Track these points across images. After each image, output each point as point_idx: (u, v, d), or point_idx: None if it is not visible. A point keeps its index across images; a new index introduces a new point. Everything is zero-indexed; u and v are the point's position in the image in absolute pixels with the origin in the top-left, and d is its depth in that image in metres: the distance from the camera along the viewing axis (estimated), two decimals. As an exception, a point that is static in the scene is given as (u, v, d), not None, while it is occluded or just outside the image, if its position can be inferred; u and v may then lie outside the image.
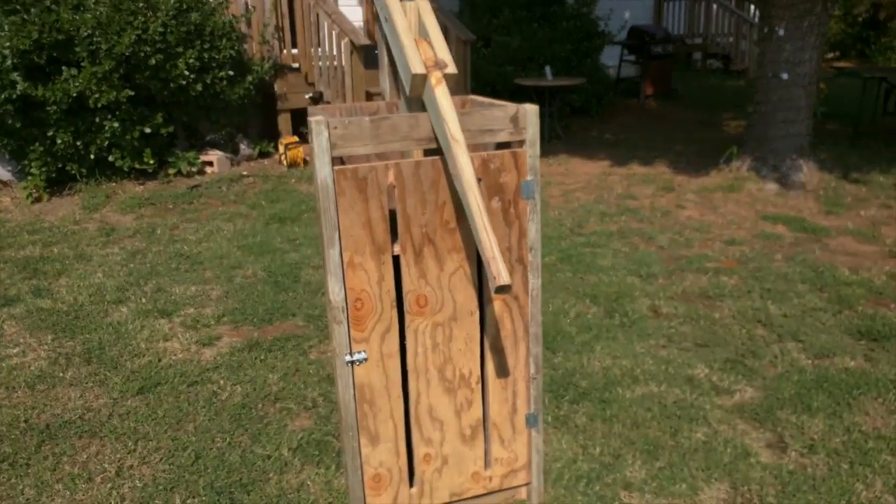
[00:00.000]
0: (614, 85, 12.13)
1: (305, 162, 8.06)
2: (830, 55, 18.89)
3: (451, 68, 2.25)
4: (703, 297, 4.70)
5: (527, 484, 2.79)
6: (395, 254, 2.38)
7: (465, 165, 2.07)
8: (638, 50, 12.46)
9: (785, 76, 7.33)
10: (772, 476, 2.93)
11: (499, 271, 1.91)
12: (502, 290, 1.92)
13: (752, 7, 15.29)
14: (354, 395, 2.44)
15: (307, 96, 8.44)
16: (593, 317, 4.42)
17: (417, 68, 2.21)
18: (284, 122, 8.41)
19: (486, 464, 2.71)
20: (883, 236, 5.80)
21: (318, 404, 3.54)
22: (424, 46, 2.28)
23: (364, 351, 2.41)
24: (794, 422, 3.29)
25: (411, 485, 2.64)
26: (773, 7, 7.22)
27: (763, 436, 3.21)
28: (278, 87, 8.31)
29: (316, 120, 2.15)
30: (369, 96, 7.91)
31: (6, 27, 6.15)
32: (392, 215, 2.34)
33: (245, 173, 7.70)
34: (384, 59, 2.70)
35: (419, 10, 2.37)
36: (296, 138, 8.16)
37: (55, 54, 6.44)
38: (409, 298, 2.42)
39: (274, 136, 8.56)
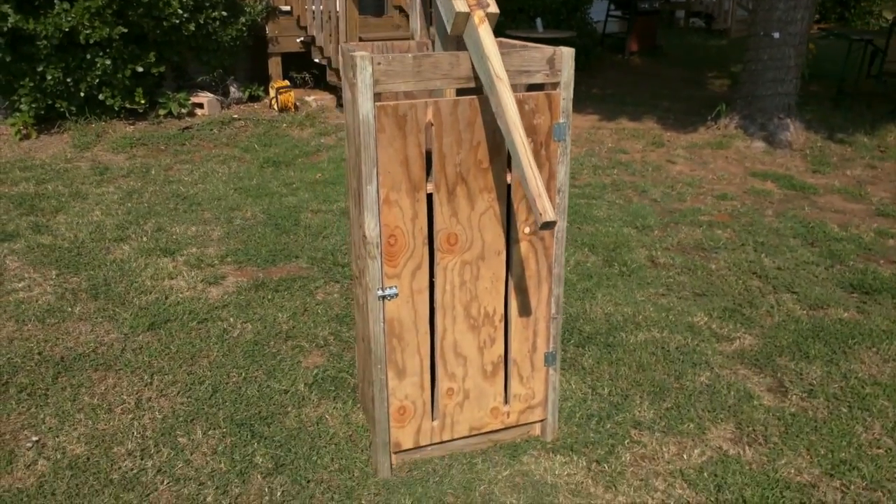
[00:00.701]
0: (600, 40, 12.11)
1: (296, 107, 7.99)
2: (812, 18, 18.93)
3: (494, 7, 2.27)
4: (699, 248, 4.81)
5: (542, 420, 2.89)
6: (429, 192, 2.42)
7: (509, 104, 2.11)
8: (625, 5, 12.43)
9: (776, 35, 7.38)
10: (775, 418, 3.06)
11: (545, 208, 1.96)
12: (547, 226, 1.98)
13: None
14: (384, 329, 2.50)
15: (299, 40, 8.32)
16: (592, 265, 4.51)
17: (461, 6, 2.23)
18: (275, 65, 8.30)
19: (506, 399, 2.80)
20: (869, 195, 5.94)
21: (330, 343, 3.60)
22: (466, -15, 2.29)
23: (395, 286, 2.46)
24: (792, 368, 3.43)
25: (433, 418, 2.72)
26: (768, -35, 7.24)
27: (764, 380, 3.34)
28: (270, 30, 8.18)
29: (361, 55, 2.17)
30: (362, 42, 7.82)
31: (-4, -43, 5.99)
32: (427, 154, 2.38)
33: (236, 116, 7.62)
34: (416, 0, 2.70)
35: (460, -52, 2.37)
36: (287, 83, 8.08)
37: (47, -14, 6.29)
38: (440, 236, 2.47)
39: (263, 79, 8.45)
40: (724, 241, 4.91)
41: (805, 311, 3.97)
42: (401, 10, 8.89)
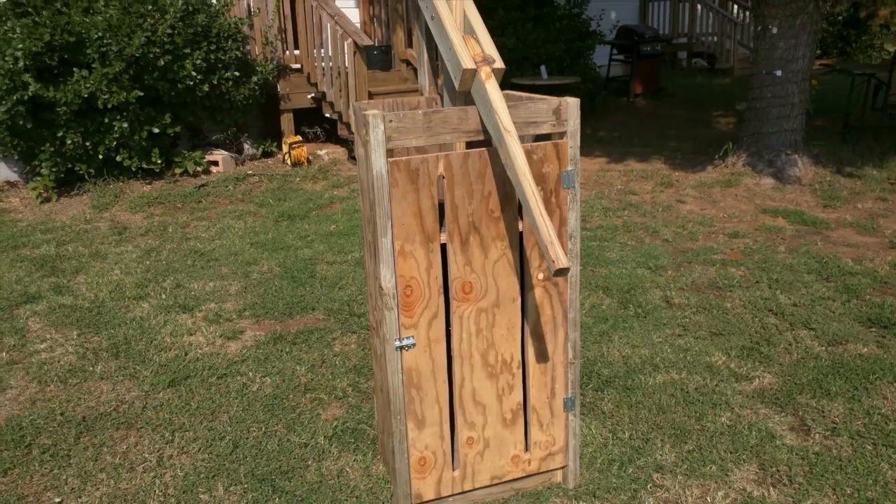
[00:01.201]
0: (605, 84, 12.27)
1: (309, 161, 8.13)
2: (815, 54, 19.14)
3: (499, 63, 2.34)
4: (713, 287, 4.82)
5: (564, 467, 2.88)
6: (442, 242, 2.47)
7: (518, 155, 2.16)
8: (628, 49, 12.62)
9: (779, 73, 7.47)
10: (798, 457, 3.03)
11: (557, 255, 2.00)
12: (561, 272, 2.01)
13: (735, 6, 15.51)
14: (402, 379, 2.53)
15: (310, 96, 8.50)
16: (608, 308, 4.53)
17: (468, 64, 2.30)
18: (287, 121, 8.47)
19: (526, 447, 2.80)
20: (882, 228, 5.94)
21: (349, 394, 3.62)
22: (472, 43, 2.37)
23: (412, 336, 2.49)
24: (814, 406, 3.41)
25: (454, 468, 2.72)
26: (766, 6, 7.37)
27: (785, 419, 3.32)
28: (281, 87, 8.37)
29: (373, 113, 2.24)
30: (371, 96, 7.99)
31: (18, 30, 6.19)
32: (439, 205, 2.43)
33: (250, 172, 7.76)
34: (423, 57, 2.78)
35: (465, 8, 2.45)
36: (299, 137, 8.22)
37: (66, 56, 6.48)
38: (456, 285, 2.51)
39: (276, 135, 8.62)
40: (738, 280, 4.92)
41: (823, 348, 3.96)
42: (408, 63, 9.08)
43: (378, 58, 9.05)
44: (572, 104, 2.46)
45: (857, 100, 9.58)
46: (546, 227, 2.06)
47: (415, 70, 8.88)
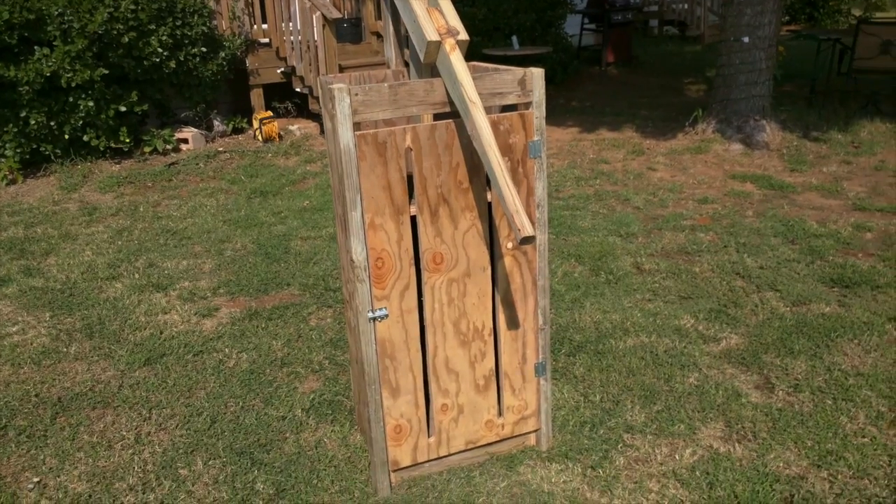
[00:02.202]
0: (576, 54, 12.27)
1: (280, 136, 8.08)
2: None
3: (463, 35, 2.36)
4: (682, 253, 4.90)
5: (536, 430, 2.95)
6: (412, 214, 2.50)
7: (483, 126, 2.19)
8: (599, 18, 12.62)
9: (746, 40, 7.53)
10: (762, 414, 3.13)
11: (523, 224, 2.04)
12: (527, 241, 2.06)
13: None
14: (376, 350, 2.57)
15: (279, 71, 8.43)
16: (580, 275, 4.59)
17: (432, 36, 2.32)
18: (257, 97, 8.40)
19: (499, 412, 2.87)
20: (846, 190, 6.06)
21: (325, 367, 3.66)
22: (436, 15, 2.38)
23: (385, 308, 2.53)
24: (778, 364, 3.50)
25: (429, 434, 2.78)
26: (734, -28, 7.41)
27: (751, 378, 3.42)
28: (250, 62, 8.28)
29: (339, 87, 2.25)
30: (341, 69, 7.93)
31: (-25, 7, 6.07)
32: (408, 178, 2.46)
33: (221, 149, 7.70)
34: (389, 29, 2.79)
35: (428, -21, 2.46)
36: (270, 113, 8.17)
37: (26, 34, 6.36)
38: (426, 256, 2.54)
39: (246, 111, 8.55)
40: (707, 244, 5.01)
41: (788, 308, 4.05)
42: (378, 35, 9.02)
43: (348, 30, 8.98)
44: (537, 74, 2.49)
45: (824, 65, 9.69)
46: (512, 196, 2.10)
47: (384, 42, 8.82)
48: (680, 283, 4.44)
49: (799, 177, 6.53)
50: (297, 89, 8.31)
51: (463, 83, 2.25)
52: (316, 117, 8.53)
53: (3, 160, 6.74)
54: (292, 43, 8.13)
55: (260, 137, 7.98)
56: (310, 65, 7.85)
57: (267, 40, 8.47)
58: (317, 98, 7.89)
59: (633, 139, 7.98)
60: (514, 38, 9.72)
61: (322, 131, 8.32)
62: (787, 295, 4.19)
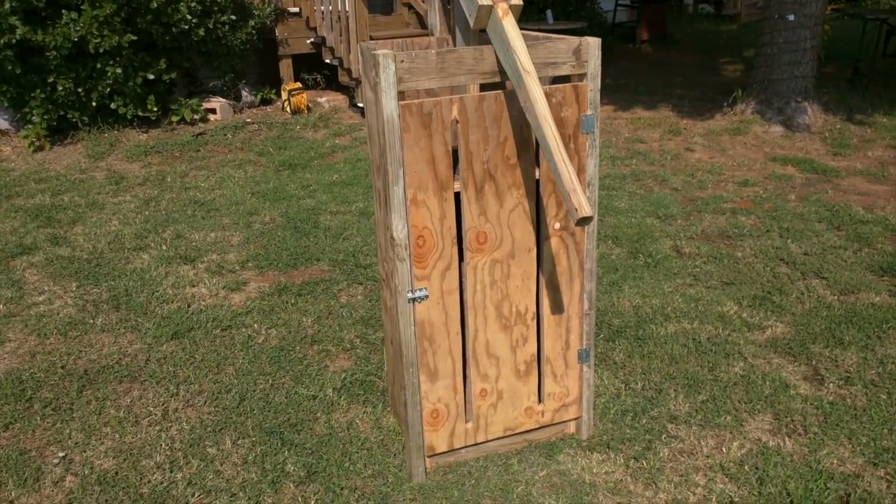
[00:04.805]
0: (611, 30, 12.01)
1: (309, 108, 7.96)
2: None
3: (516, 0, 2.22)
4: (723, 236, 4.74)
5: (577, 418, 2.84)
6: (456, 190, 2.37)
7: (539, 98, 2.05)
8: (634, -6, 12.33)
9: (791, 17, 7.27)
10: (813, 407, 2.99)
11: (580, 203, 1.91)
12: (584, 221, 1.92)
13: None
14: (415, 331, 2.45)
15: (309, 41, 8.29)
16: (617, 258, 4.45)
17: (484, 0, 2.17)
18: (286, 67, 8.27)
19: (539, 398, 2.75)
20: (893, 176, 5.84)
21: (356, 346, 3.56)
22: (488, -23, 2.24)
23: (425, 288, 2.41)
24: (827, 355, 3.35)
25: (467, 420, 2.67)
26: (781, -53, 7.14)
27: (799, 369, 3.27)
28: (279, 32, 8.15)
29: (384, 53, 2.12)
30: (372, 41, 7.77)
31: (3, -31, 5.98)
32: (453, 152, 2.33)
33: (249, 120, 7.60)
34: (434, -6, 2.64)
35: (479, -61, 2.31)
36: (298, 84, 8.05)
37: (55, -3, 6.28)
38: (470, 235, 2.42)
39: (275, 82, 8.43)
40: (749, 228, 4.83)
41: (836, 297, 3.89)
42: (409, 7, 8.83)
43: (379, 1, 8.80)
44: (593, 44, 2.34)
45: (869, 46, 9.37)
46: (568, 173, 1.96)
47: (417, 14, 8.65)
48: (722, 267, 4.28)
49: (843, 161, 6.31)
50: (327, 60, 8.17)
51: (517, 51, 2.10)
52: (345, 90, 8.39)
53: (30, 126, 6.68)
54: (322, 13, 7.98)
55: (288, 109, 7.86)
56: (340, 35, 7.70)
57: (297, 10, 8.32)
58: (347, 70, 7.74)
59: (670, 119, 7.77)
60: (549, 12, 9.50)
61: (351, 104, 8.19)
62: (835, 283, 4.02)
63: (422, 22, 8.52)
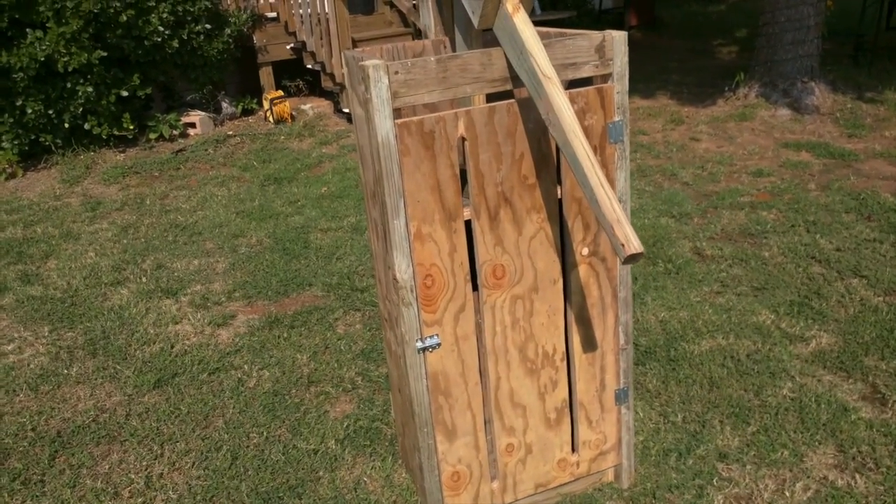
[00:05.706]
0: (598, 17, 11.65)
1: (293, 117, 7.58)
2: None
3: (529, -9, 1.86)
4: (746, 234, 4.39)
5: (616, 465, 2.49)
6: (466, 219, 2.02)
7: (564, 107, 1.70)
8: (621, -22, 11.96)
9: (793, -7, 6.93)
10: (881, 434, 2.65)
11: (627, 237, 1.55)
12: (633, 259, 1.57)
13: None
14: (428, 385, 2.10)
15: (289, 47, 7.91)
16: (635, 266, 4.10)
17: (490, -7, 1.82)
18: (267, 75, 7.89)
19: (573, 448, 2.40)
20: (917, 157, 5.51)
21: (358, 385, 3.21)
22: (493, -34, 1.88)
23: (437, 335, 2.06)
24: (884, 369, 3.01)
25: (493, 479, 2.32)
26: (780, -80, 6.78)
27: (855, 387, 2.93)
28: (258, 39, 7.76)
29: (374, 65, 1.76)
30: (354, 43, 7.40)
31: (-42, -11, 5.59)
32: (461, 174, 1.97)
33: (231, 133, 7.22)
34: (427, -11, 2.29)
35: (479, -78, 1.95)
36: (280, 92, 7.67)
37: (17, 16, 5.87)
38: (485, 270, 2.07)
39: (255, 91, 8.05)
40: (772, 224, 4.49)
41: (881, 298, 3.55)
42: (391, 5, 8.46)
43: (359, 0, 8.43)
44: (618, 39, 1.99)
45: (871, 20, 9.03)
46: (608, 200, 1.61)
47: (399, 12, 8.26)
48: (750, 271, 3.94)
49: (859, 143, 5.97)
50: (309, 66, 7.79)
51: (534, 54, 1.75)
52: (329, 95, 8.01)
53: (1, 153, 6.29)
54: (301, 16, 7.60)
55: (271, 118, 7.49)
56: (321, 39, 7.32)
57: (274, 14, 7.94)
58: (330, 74, 7.37)
59: (670, 107, 7.42)
60: (537, 2, 9.14)
61: (336, 110, 7.81)
62: (877, 282, 3.68)
63: (405, 20, 8.14)
